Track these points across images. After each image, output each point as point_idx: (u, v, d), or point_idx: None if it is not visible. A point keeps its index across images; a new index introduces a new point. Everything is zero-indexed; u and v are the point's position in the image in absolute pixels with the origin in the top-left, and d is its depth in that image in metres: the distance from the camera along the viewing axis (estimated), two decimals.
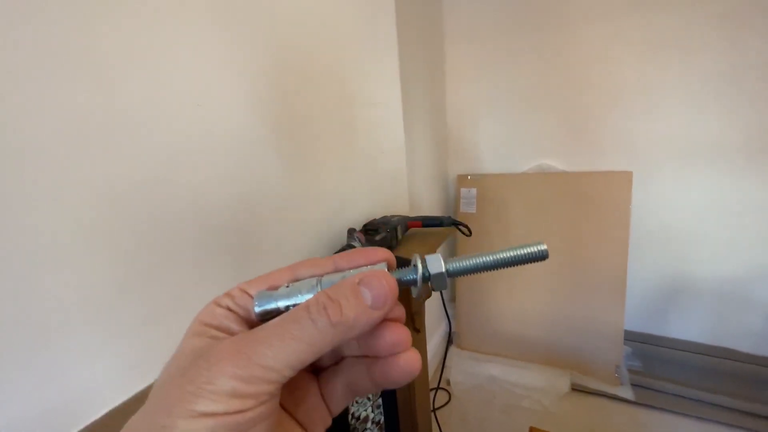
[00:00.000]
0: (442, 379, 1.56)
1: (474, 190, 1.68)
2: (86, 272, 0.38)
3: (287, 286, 0.19)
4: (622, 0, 1.37)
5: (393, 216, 0.85)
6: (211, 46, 0.50)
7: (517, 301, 1.62)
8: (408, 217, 0.86)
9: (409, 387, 1.00)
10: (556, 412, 1.40)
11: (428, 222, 0.86)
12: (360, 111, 0.86)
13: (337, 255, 0.20)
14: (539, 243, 0.19)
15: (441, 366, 1.40)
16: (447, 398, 1.50)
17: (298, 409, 0.20)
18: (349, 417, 0.84)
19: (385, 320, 0.19)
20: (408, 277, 0.19)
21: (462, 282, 1.71)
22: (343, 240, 0.73)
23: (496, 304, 1.66)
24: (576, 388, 1.48)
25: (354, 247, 0.69)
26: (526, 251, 0.19)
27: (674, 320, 1.55)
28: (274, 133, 0.62)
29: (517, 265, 0.20)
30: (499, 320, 1.65)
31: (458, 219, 0.88)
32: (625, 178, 1.44)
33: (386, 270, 0.18)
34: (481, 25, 1.61)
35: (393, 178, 1.03)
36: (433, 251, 0.86)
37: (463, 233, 0.88)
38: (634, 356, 1.54)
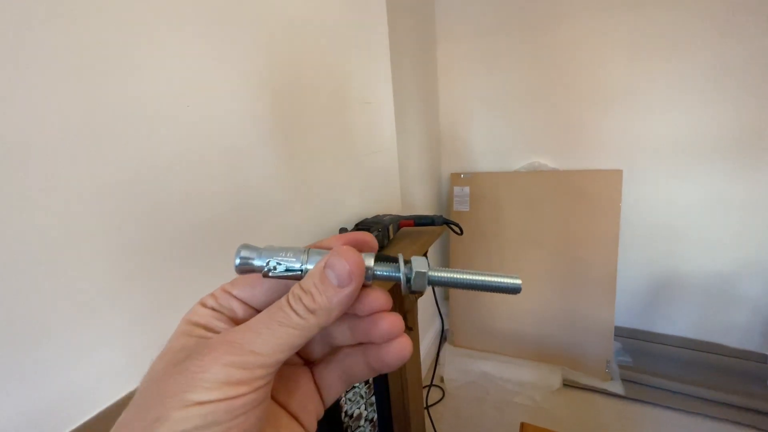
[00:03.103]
0: (436, 376, 1.57)
1: (467, 189, 1.69)
2: (81, 270, 0.38)
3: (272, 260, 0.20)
4: None
5: (385, 215, 0.86)
6: (204, 46, 0.50)
7: (510, 299, 1.63)
8: (400, 216, 0.87)
9: (402, 385, 1.01)
10: (548, 407, 1.42)
11: (420, 221, 0.86)
12: (352, 110, 0.86)
13: (315, 244, 0.21)
14: (515, 277, 0.20)
15: (434, 363, 1.41)
16: (441, 395, 1.51)
17: (291, 400, 0.21)
18: (342, 415, 0.84)
19: (380, 311, 0.20)
20: (389, 273, 0.20)
21: None
22: None
23: (489, 302, 1.67)
24: (567, 384, 1.50)
25: None
26: (502, 282, 0.20)
27: (663, 316, 1.58)
28: (266, 133, 0.62)
29: (490, 291, 0.20)
30: (492, 317, 1.67)
31: (451, 218, 0.89)
32: (616, 176, 1.46)
33: (356, 252, 0.19)
34: (473, 24, 1.62)
35: (385, 177, 1.04)
36: (424, 250, 0.87)
37: (455, 232, 0.89)
38: (624, 352, 1.56)
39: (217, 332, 0.18)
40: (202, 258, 0.51)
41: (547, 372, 1.52)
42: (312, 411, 0.21)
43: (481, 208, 1.67)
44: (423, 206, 1.60)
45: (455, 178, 1.72)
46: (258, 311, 0.20)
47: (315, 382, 0.22)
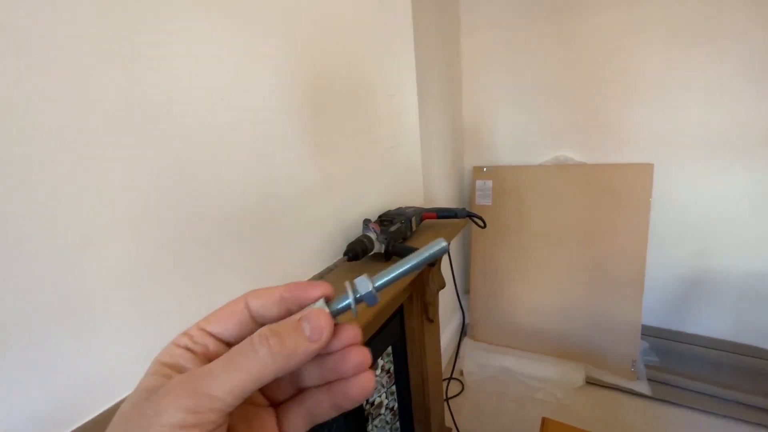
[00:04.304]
0: (455, 370, 1.57)
1: (490, 182, 1.67)
2: (121, 257, 0.41)
3: None
4: None
5: (408, 207, 0.86)
6: (236, 39, 0.52)
7: (532, 294, 1.61)
8: (423, 208, 0.87)
9: (422, 376, 1.02)
10: (570, 404, 1.40)
11: (443, 214, 0.86)
12: (376, 102, 0.86)
13: (282, 286, 0.22)
14: (440, 242, 0.22)
15: (455, 357, 1.41)
16: (460, 388, 1.52)
17: None
18: (364, 402, 0.86)
19: (350, 345, 0.21)
20: (343, 304, 0.21)
21: (476, 274, 1.71)
22: (358, 230, 0.74)
23: (511, 297, 1.66)
24: (590, 382, 1.47)
25: (369, 237, 0.70)
26: (431, 252, 0.22)
27: (694, 315, 1.52)
28: (293, 125, 0.63)
29: (427, 263, 0.22)
30: (513, 312, 1.65)
31: (473, 211, 0.88)
32: (646, 170, 1.41)
33: (324, 307, 0.21)
34: (498, 14, 1.59)
35: (408, 169, 1.04)
36: (447, 242, 0.87)
37: (478, 225, 0.88)
38: (651, 351, 1.52)
39: (182, 371, 0.19)
40: (233, 248, 0.53)
41: (570, 369, 1.50)
42: None
43: (504, 202, 1.65)
44: (444, 200, 1.59)
45: (477, 172, 1.71)
46: (227, 344, 0.21)
47: (278, 423, 0.22)
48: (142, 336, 0.43)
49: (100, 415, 0.40)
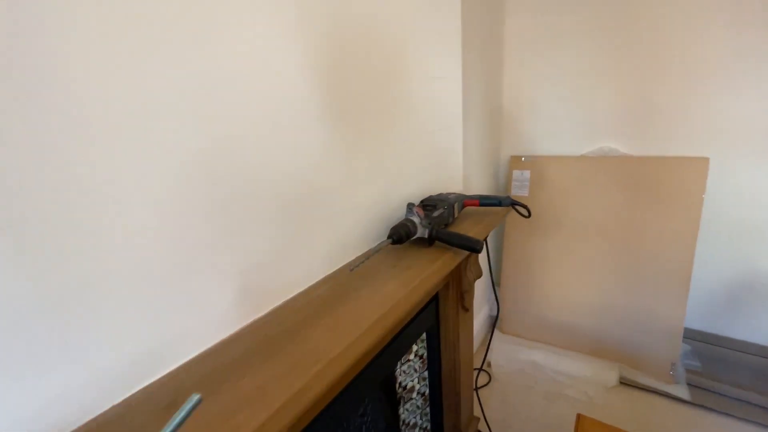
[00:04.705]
0: (484, 361, 1.56)
1: (527, 173, 1.62)
2: (178, 227, 0.42)
3: None
4: None
5: (450, 194, 0.85)
6: (279, 19, 0.51)
7: (566, 288, 1.57)
8: (465, 195, 0.85)
9: (454, 363, 1.01)
10: (602, 403, 1.36)
11: (486, 201, 0.84)
12: (419, 84, 0.84)
13: None
14: (193, 396, 0.23)
15: (486, 348, 1.40)
16: (487, 379, 1.51)
17: None
18: (397, 385, 0.87)
19: None
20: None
21: (508, 266, 1.68)
22: (401, 213, 0.73)
23: (543, 290, 1.62)
24: (624, 382, 1.42)
25: (412, 221, 0.69)
26: (188, 408, 0.23)
27: (741, 321, 1.44)
28: (336, 106, 0.62)
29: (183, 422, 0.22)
30: (545, 306, 1.61)
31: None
32: (701, 165, 1.32)
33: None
34: None
35: (448, 155, 1.02)
36: (488, 231, 0.85)
37: (522, 215, 0.86)
38: (692, 355, 1.45)
39: None
40: (277, 224, 0.54)
41: (603, 367, 1.45)
42: None
43: (541, 194, 1.60)
44: (478, 188, 1.56)
45: (515, 161, 1.66)
46: None
47: None
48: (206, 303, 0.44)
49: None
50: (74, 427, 0.35)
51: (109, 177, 0.35)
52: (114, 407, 0.38)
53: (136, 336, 0.39)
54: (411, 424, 0.96)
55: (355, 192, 0.68)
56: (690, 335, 1.47)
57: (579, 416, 0.89)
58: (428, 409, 1.01)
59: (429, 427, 1.02)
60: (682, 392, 1.33)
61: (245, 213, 0.48)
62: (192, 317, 0.44)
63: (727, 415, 1.26)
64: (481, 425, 1.21)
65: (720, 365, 1.41)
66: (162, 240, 0.40)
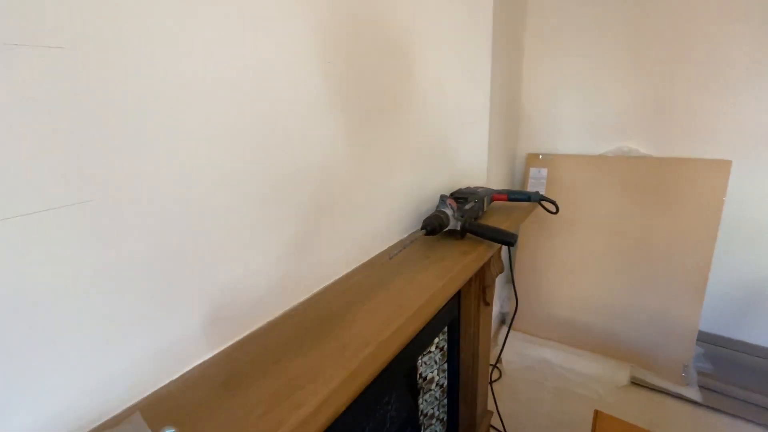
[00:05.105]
0: (493, 357, 1.57)
1: (545, 171, 1.62)
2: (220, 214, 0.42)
3: None
4: None
5: (478, 188, 0.85)
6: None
7: (579, 287, 1.57)
8: (493, 189, 0.86)
9: (473, 356, 1.02)
10: (613, 402, 1.37)
11: (514, 196, 0.84)
12: (451, 80, 0.84)
13: None
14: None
15: (503, 344, 1.41)
16: (498, 375, 1.52)
17: None
18: (418, 376, 0.88)
19: None
20: None
21: (521, 264, 1.68)
22: (433, 203, 0.74)
23: (555, 289, 1.62)
24: (636, 382, 1.43)
25: (445, 213, 0.69)
26: None
27: (756, 325, 1.44)
28: (368, 103, 0.63)
29: None
30: (556, 305, 1.62)
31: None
32: (722, 167, 1.32)
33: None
34: None
35: (474, 150, 1.02)
36: (517, 225, 0.85)
37: (549, 211, 0.86)
38: (705, 358, 1.45)
39: None
40: (319, 213, 0.54)
41: (614, 367, 1.46)
42: None
43: (558, 193, 1.59)
44: (496, 185, 1.56)
45: (532, 159, 1.65)
46: None
47: None
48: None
49: None
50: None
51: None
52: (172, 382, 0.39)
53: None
54: (429, 414, 0.97)
55: (388, 182, 0.68)
56: (703, 338, 1.47)
57: (597, 412, 0.90)
58: (445, 401, 1.02)
59: (445, 419, 1.04)
60: (694, 394, 1.34)
61: (290, 199, 0.49)
62: (244, 295, 0.45)
63: (738, 417, 1.27)
64: (494, 419, 1.22)
65: (732, 368, 1.42)
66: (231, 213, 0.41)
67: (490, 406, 1.22)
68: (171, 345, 0.38)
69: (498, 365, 1.56)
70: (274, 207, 0.47)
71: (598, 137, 1.59)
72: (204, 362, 0.41)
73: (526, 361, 1.56)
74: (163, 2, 0.33)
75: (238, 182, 0.42)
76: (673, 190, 1.38)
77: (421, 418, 0.94)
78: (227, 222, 0.42)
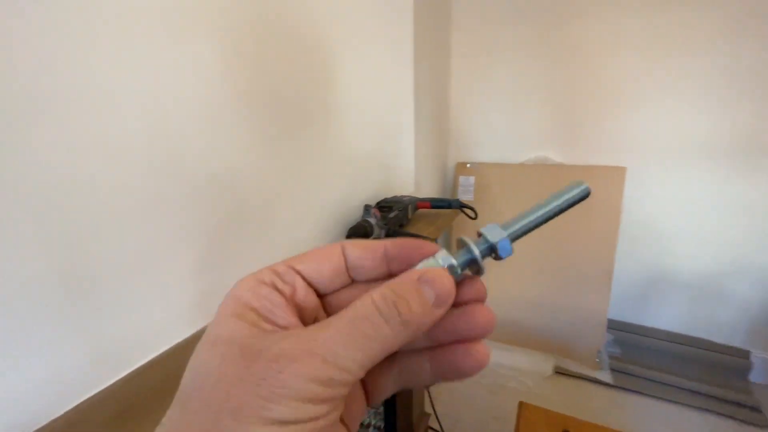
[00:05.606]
0: None
1: (472, 179, 1.72)
2: (159, 227, 0.40)
3: None
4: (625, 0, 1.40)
5: (404, 196, 0.88)
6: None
7: (505, 287, 1.68)
8: (417, 197, 0.89)
9: None
10: (540, 392, 1.47)
11: (437, 204, 0.88)
12: (374, 91, 0.87)
13: (388, 241, 0.19)
14: (580, 183, 0.19)
15: None
16: None
17: None
18: None
19: (476, 301, 0.19)
20: (466, 258, 0.18)
21: None
22: (358, 215, 0.75)
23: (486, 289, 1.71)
24: (559, 371, 1.55)
25: (369, 222, 0.71)
26: (572, 195, 0.19)
27: (654, 311, 1.64)
28: (297, 114, 0.63)
29: (565, 211, 0.19)
30: (487, 304, 1.71)
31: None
32: (619, 173, 1.49)
33: (442, 264, 0.18)
34: (488, 13, 1.62)
35: (401, 160, 1.05)
36: (440, 232, 0.89)
37: (469, 216, 0.91)
38: (614, 343, 1.62)
39: (275, 324, 0.16)
40: (239, 231, 0.53)
41: (540, 359, 1.57)
42: (357, 415, 0.19)
43: (484, 198, 1.70)
44: (428, 193, 1.62)
45: (461, 168, 1.75)
46: (318, 293, 0.19)
47: (363, 383, 0.19)
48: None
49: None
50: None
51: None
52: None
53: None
54: (365, 424, 0.97)
55: (314, 195, 0.68)
56: (612, 325, 1.64)
57: (521, 404, 0.96)
58: (382, 408, 1.03)
59: (383, 426, 1.04)
60: (606, 377, 1.49)
61: (194, 217, 0.47)
62: (144, 318, 0.42)
63: (644, 394, 1.43)
64: (432, 421, 1.25)
65: (637, 351, 1.60)
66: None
67: (428, 408, 1.25)
68: (54, 377, 0.35)
69: None
70: (175, 226, 0.45)
71: (519, 146, 1.72)
72: (95, 395, 0.38)
73: None
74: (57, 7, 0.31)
75: (132, 202, 0.40)
76: None
77: (360, 428, 0.94)
78: (121, 242, 0.39)
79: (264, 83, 0.55)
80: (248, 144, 0.53)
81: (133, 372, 0.41)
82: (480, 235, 0.19)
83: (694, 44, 1.35)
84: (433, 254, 0.18)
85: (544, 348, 1.61)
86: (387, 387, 0.19)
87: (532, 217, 0.19)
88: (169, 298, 0.44)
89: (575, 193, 0.19)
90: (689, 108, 1.40)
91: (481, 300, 0.19)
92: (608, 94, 1.51)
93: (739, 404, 1.34)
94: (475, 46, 1.68)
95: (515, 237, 0.19)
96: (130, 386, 0.39)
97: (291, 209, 0.63)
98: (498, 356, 1.60)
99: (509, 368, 1.56)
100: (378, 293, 0.16)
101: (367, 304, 0.16)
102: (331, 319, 0.16)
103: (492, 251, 0.19)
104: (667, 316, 1.61)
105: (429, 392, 1.25)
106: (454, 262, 0.18)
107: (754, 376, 1.45)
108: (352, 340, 0.15)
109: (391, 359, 0.19)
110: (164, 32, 0.41)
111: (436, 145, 1.66)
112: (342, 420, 0.18)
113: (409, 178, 1.09)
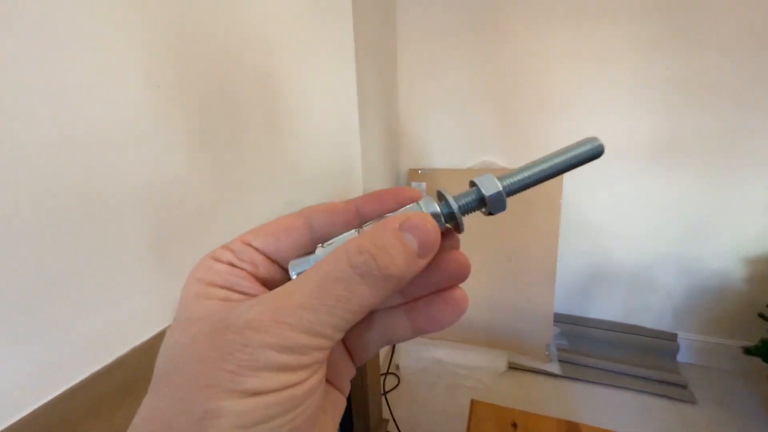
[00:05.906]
0: (392, 364, 1.62)
1: (424, 184, 1.76)
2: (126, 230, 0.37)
3: (323, 246, 0.16)
4: (556, 16, 1.51)
5: None
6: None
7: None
8: None
9: (361, 371, 1.04)
10: (495, 388, 1.53)
11: None
12: (316, 100, 0.87)
13: (358, 198, 0.18)
14: (593, 140, 0.17)
15: (391, 351, 1.46)
16: (396, 382, 1.57)
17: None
18: None
19: (447, 251, 0.17)
20: (460, 204, 0.16)
21: None
22: None
23: None
24: (512, 366, 1.62)
25: None
26: (583, 150, 0.17)
27: (595, 302, 1.76)
28: (235, 122, 0.62)
29: (574, 168, 0.17)
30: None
31: None
32: None
33: (423, 209, 0.16)
34: (431, 25, 1.69)
35: (348, 168, 1.06)
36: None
37: None
38: (561, 336, 1.72)
39: (244, 293, 0.15)
40: (171, 246, 0.51)
41: (494, 356, 1.63)
42: (345, 375, 0.19)
43: None
44: None
45: (413, 174, 1.79)
46: (281, 266, 0.17)
47: (345, 344, 0.19)
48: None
49: None
50: None
51: None
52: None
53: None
54: None
55: (260, 203, 0.67)
56: (559, 319, 1.74)
57: (473, 401, 0.99)
58: None
59: None
60: (555, 368, 1.57)
61: (118, 229, 0.45)
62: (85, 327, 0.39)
63: (590, 382, 1.52)
64: (391, 426, 1.25)
65: (582, 341, 1.70)
66: None
67: (386, 414, 1.25)
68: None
69: (396, 372, 1.61)
70: (97, 240, 0.42)
71: (467, 152, 1.79)
72: (35, 410, 0.35)
73: (421, 364, 1.64)
74: None
75: (46, 212, 0.37)
76: (522, 195, 1.61)
77: None
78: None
79: (194, 90, 0.54)
80: (178, 150, 0.52)
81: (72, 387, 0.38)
82: (472, 184, 0.17)
83: (614, 56, 1.48)
84: (416, 201, 0.16)
85: (498, 345, 1.68)
86: (369, 345, 0.19)
87: (533, 170, 0.17)
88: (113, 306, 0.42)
89: (586, 149, 0.17)
90: (615, 112, 1.53)
91: (454, 248, 0.18)
92: (544, 101, 1.62)
93: (669, 383, 1.47)
94: (422, 55, 1.74)
95: (512, 191, 0.17)
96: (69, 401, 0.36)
97: (231, 218, 0.62)
98: (454, 356, 1.64)
99: (465, 367, 1.60)
100: (354, 245, 0.14)
101: (340, 261, 0.14)
102: (301, 279, 0.14)
103: (483, 204, 0.17)
104: (607, 307, 1.73)
105: (386, 398, 1.26)
106: (438, 209, 0.16)
107: (681, 356, 1.60)
108: (323, 304, 0.14)
109: (372, 317, 0.18)
110: (75, 36, 0.39)
111: (387, 152, 1.69)
112: (330, 381, 0.18)
113: (357, 185, 1.10)
